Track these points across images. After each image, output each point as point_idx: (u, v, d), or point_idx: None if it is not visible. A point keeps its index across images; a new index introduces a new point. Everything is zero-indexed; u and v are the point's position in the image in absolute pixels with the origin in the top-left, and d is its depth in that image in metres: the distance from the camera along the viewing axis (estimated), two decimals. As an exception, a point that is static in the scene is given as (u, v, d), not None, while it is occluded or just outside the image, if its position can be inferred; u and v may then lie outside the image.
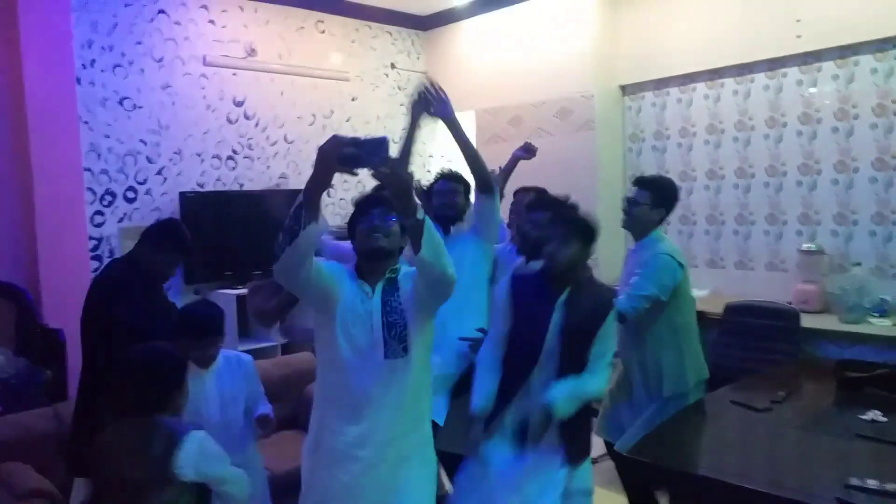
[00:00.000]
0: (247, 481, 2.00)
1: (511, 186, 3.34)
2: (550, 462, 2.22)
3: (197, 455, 1.84)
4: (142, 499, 1.80)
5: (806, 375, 3.15)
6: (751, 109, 4.30)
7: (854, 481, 1.86)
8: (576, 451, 2.27)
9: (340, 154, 1.63)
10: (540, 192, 3.11)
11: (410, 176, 1.74)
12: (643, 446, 2.38)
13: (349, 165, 1.64)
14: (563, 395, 2.15)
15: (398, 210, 1.77)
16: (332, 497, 1.91)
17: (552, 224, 2.42)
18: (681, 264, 2.81)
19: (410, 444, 1.96)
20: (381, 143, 1.64)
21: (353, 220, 1.99)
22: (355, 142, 1.64)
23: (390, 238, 1.92)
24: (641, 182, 2.90)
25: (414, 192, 1.73)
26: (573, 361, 2.23)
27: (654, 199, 2.82)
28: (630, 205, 2.84)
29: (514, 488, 2.18)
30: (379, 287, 1.94)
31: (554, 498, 2.17)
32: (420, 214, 1.72)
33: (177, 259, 2.65)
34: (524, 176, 3.42)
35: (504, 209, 3.12)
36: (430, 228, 1.75)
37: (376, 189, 2.27)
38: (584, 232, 2.30)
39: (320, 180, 1.69)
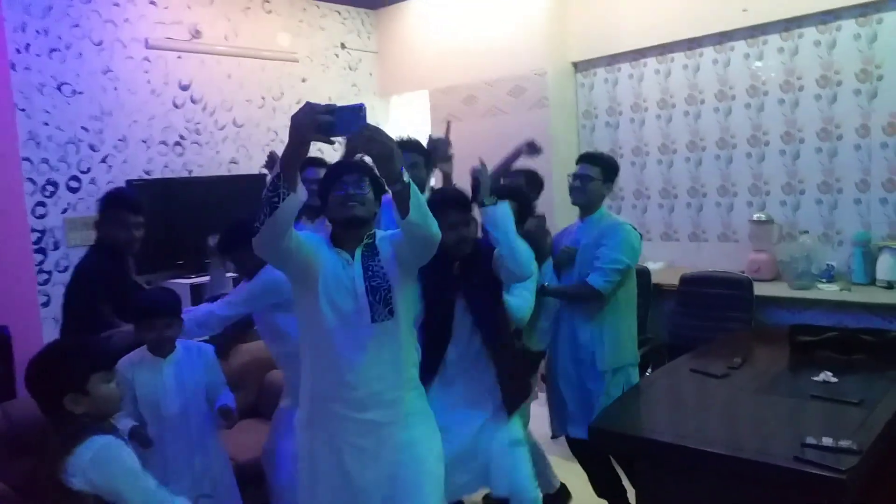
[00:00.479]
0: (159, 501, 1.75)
1: (466, 166, 3.32)
2: (497, 414, 2.35)
3: (89, 463, 1.63)
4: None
5: (760, 341, 3.24)
6: (700, 83, 4.36)
7: (810, 440, 1.91)
8: (515, 396, 2.39)
9: (315, 122, 1.59)
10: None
11: (392, 140, 1.69)
12: (605, 417, 2.42)
13: (325, 133, 1.60)
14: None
15: (384, 175, 1.73)
16: (346, 462, 1.91)
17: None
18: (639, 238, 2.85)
19: (412, 400, 2.00)
20: (357, 110, 1.61)
21: (325, 189, 1.95)
22: (330, 108, 1.60)
23: (366, 206, 1.91)
24: (591, 158, 2.92)
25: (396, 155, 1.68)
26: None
27: (604, 174, 2.85)
28: (582, 181, 2.84)
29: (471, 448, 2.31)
30: (358, 253, 1.93)
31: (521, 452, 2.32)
32: (406, 178, 1.70)
33: (130, 220, 2.63)
34: (477, 155, 3.41)
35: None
36: (416, 191, 1.73)
37: (346, 156, 2.23)
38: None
39: (296, 150, 1.65)
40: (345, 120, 1.60)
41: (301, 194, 1.70)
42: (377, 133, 1.65)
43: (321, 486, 1.94)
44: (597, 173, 2.84)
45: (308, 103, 1.62)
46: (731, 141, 4.27)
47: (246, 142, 4.87)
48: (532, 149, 3.38)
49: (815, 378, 2.47)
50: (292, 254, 1.81)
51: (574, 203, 2.92)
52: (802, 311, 3.66)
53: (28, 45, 3.87)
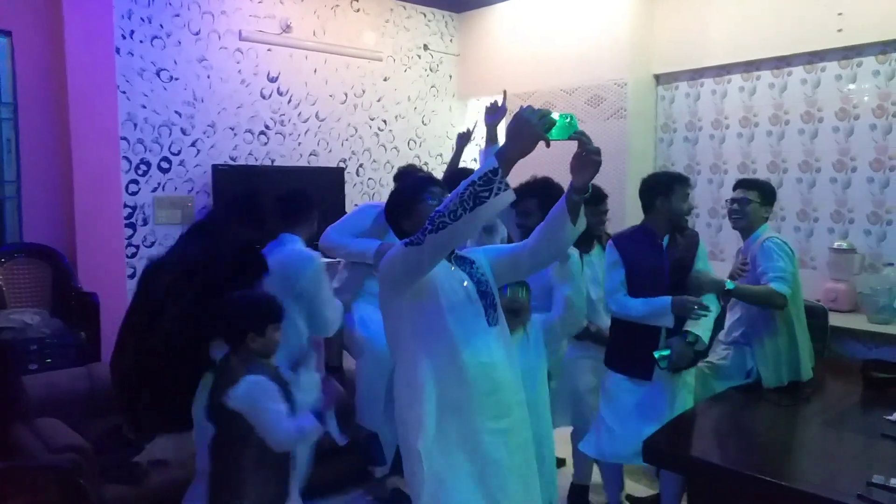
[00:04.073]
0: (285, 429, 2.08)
1: (541, 173, 3.35)
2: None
3: (242, 393, 2.03)
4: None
5: (832, 373, 3.13)
6: (786, 103, 4.24)
7: (877, 479, 1.86)
8: None
9: (549, 122, 1.63)
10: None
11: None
12: (663, 435, 2.40)
13: (546, 134, 1.65)
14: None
15: (583, 182, 1.78)
16: (492, 475, 1.87)
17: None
18: (792, 250, 2.89)
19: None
20: (568, 118, 1.67)
21: (412, 199, 1.95)
22: (547, 112, 1.64)
23: None
24: (747, 183, 3.09)
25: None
26: None
27: (762, 197, 2.99)
28: (740, 204, 2.98)
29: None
30: (454, 261, 1.96)
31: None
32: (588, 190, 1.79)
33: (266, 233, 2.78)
34: (552, 165, 3.42)
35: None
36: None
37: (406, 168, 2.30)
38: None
39: (523, 148, 1.65)
40: (560, 126, 1.67)
41: (512, 194, 1.68)
42: (592, 144, 1.74)
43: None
44: (755, 196, 2.97)
45: (529, 106, 1.66)
46: (816, 164, 4.13)
47: (326, 135, 5.03)
48: (463, 138, 3.85)
49: (888, 417, 2.38)
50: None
51: (734, 227, 3.06)
52: (879, 346, 3.52)
53: (133, 31, 4.11)
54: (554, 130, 1.64)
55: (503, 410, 1.90)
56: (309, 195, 2.91)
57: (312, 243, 2.93)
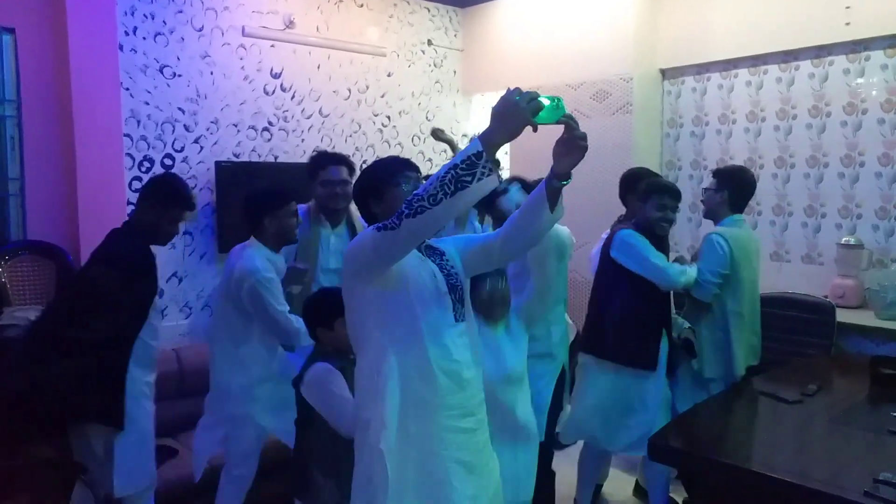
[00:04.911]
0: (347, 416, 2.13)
1: (546, 171, 3.33)
2: None
3: (308, 379, 2.19)
4: None
5: (839, 370, 3.11)
6: (794, 98, 4.20)
7: (885, 476, 1.83)
8: None
9: (535, 106, 1.56)
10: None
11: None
12: (667, 432, 2.38)
13: (533, 118, 1.58)
14: None
15: (564, 170, 1.71)
16: (455, 477, 1.79)
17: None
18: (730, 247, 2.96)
19: (484, 403, 1.94)
20: (556, 101, 1.62)
21: (384, 182, 1.85)
22: (535, 95, 1.58)
23: None
24: (715, 172, 3.23)
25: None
26: None
27: (719, 184, 3.11)
28: (704, 193, 3.23)
29: None
30: (424, 251, 1.87)
31: None
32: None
33: (179, 214, 2.67)
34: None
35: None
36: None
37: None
38: None
39: (508, 132, 1.57)
40: (548, 109, 1.60)
41: (496, 180, 1.60)
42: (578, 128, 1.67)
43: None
44: (712, 184, 3.13)
45: (517, 88, 1.58)
46: (823, 159, 4.10)
47: (330, 132, 5.01)
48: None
49: (896, 413, 2.36)
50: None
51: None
52: (887, 342, 3.48)
53: (136, 27, 4.10)
54: (542, 114, 1.58)
55: (468, 410, 1.83)
56: (261, 200, 2.75)
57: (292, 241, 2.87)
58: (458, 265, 1.91)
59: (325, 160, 3.03)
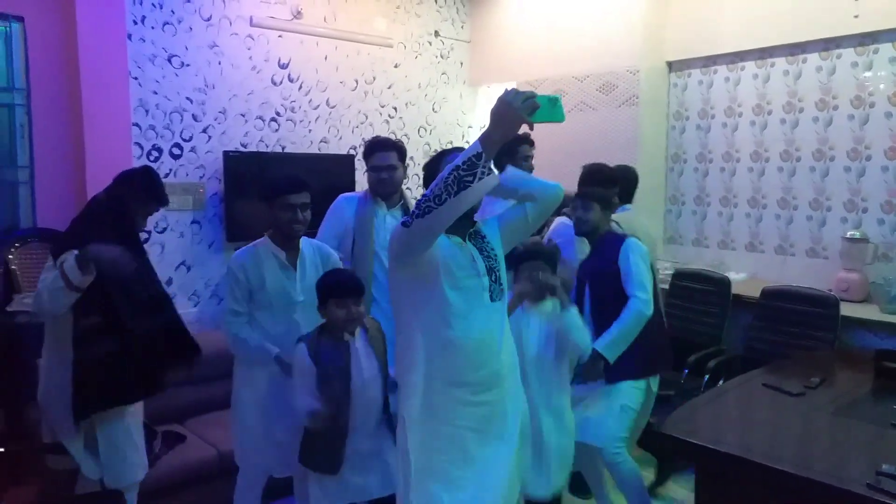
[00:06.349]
0: None
1: (553, 161, 3.35)
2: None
3: (294, 357, 2.39)
4: None
5: (842, 363, 3.12)
6: (801, 91, 4.20)
7: (887, 468, 1.85)
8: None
9: (530, 105, 1.62)
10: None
11: None
12: (673, 422, 2.40)
13: (530, 117, 1.64)
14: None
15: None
16: (471, 444, 1.96)
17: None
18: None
19: (517, 377, 2.11)
20: (554, 100, 1.67)
21: (434, 172, 1.96)
22: (533, 95, 1.63)
23: None
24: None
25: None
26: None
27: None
28: None
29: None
30: (467, 237, 1.99)
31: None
32: None
33: (152, 208, 2.61)
34: (564, 151, 3.42)
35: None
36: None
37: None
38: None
39: (505, 131, 1.67)
40: (544, 108, 1.65)
41: (496, 178, 1.71)
42: None
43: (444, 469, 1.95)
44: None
45: (514, 89, 1.67)
46: (829, 153, 4.09)
47: (337, 122, 5.02)
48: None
49: (899, 406, 2.38)
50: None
51: None
52: (891, 336, 3.49)
53: (144, 17, 4.11)
54: (537, 113, 1.63)
55: (486, 386, 1.96)
56: (260, 193, 2.73)
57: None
58: (498, 247, 2.04)
59: (374, 147, 3.13)
